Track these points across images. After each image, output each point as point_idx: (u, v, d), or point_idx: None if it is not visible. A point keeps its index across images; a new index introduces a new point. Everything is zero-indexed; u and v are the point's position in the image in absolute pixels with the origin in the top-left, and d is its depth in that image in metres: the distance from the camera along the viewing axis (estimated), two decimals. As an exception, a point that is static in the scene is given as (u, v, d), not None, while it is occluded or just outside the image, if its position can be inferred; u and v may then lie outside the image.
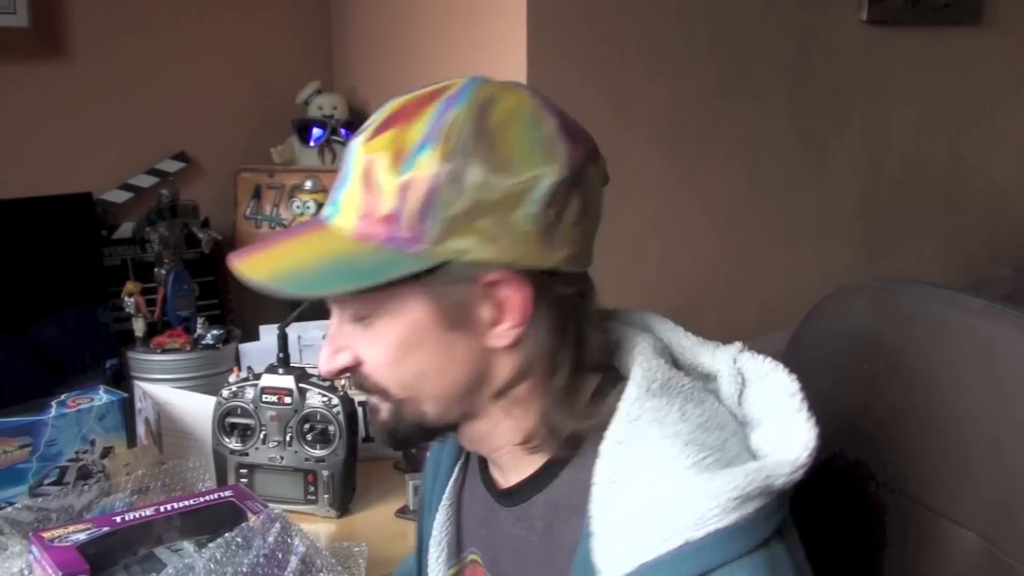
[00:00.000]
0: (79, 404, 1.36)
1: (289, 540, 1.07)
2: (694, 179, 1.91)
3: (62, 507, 1.26)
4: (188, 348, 1.72)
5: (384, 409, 0.85)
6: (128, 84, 1.91)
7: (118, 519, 1.11)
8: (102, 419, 1.37)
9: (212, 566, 1.02)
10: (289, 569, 1.05)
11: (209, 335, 1.75)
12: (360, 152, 0.80)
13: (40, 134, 1.83)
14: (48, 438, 1.31)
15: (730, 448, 0.78)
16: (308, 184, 1.91)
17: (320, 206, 1.84)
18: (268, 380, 1.36)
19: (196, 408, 1.45)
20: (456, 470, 0.98)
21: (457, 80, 0.81)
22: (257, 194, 1.95)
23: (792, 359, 1.12)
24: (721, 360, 0.85)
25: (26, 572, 1.09)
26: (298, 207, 1.89)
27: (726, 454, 0.77)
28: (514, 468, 0.88)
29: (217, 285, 1.94)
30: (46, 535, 1.07)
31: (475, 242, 0.77)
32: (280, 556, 1.06)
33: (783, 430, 0.78)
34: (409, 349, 0.81)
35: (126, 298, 1.73)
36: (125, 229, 1.87)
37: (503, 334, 0.80)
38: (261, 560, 1.04)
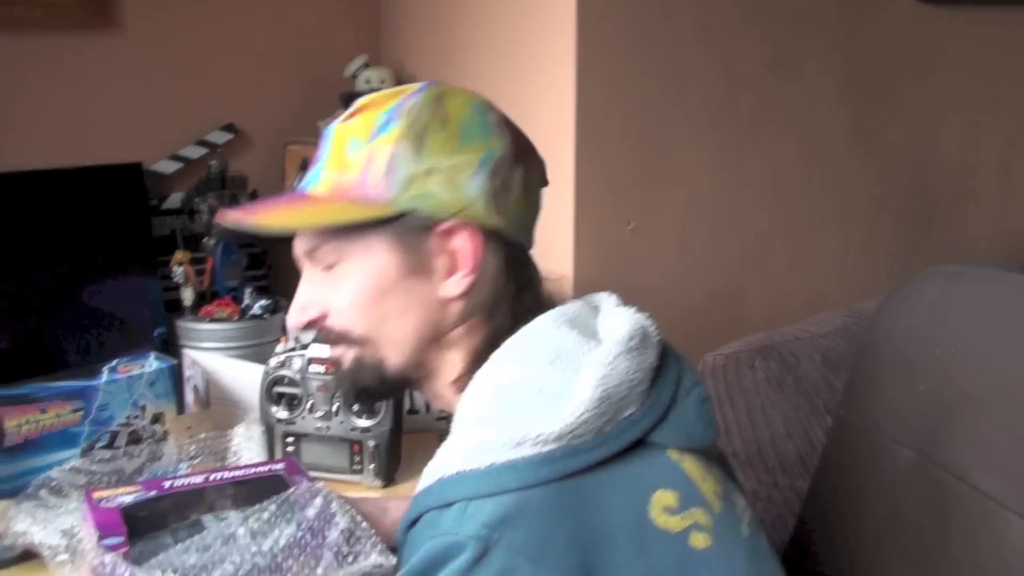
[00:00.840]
0: (130, 370, 1.37)
1: (331, 512, 1.08)
2: (743, 158, 1.89)
3: (112, 470, 1.29)
4: (236, 317, 1.74)
5: (347, 358, 0.95)
6: (178, 55, 1.92)
7: (167, 484, 1.13)
8: (152, 385, 1.38)
9: (251, 533, 1.02)
10: (330, 540, 1.06)
11: (257, 305, 1.76)
12: (335, 132, 0.93)
13: (91, 104, 1.85)
14: (100, 403, 1.33)
15: (527, 409, 0.83)
16: (355, 157, 1.91)
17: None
18: (316, 350, 1.37)
19: (244, 377, 1.46)
20: None
21: (415, 84, 0.95)
22: (304, 166, 1.96)
23: (871, 345, 1.12)
24: (602, 325, 0.91)
25: (76, 529, 1.11)
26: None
27: (524, 411, 0.83)
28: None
29: (264, 256, 1.95)
30: (95, 495, 1.09)
31: (431, 196, 0.89)
32: (321, 528, 1.07)
33: (572, 397, 0.83)
34: (373, 292, 0.92)
35: (175, 267, 1.75)
36: (174, 199, 1.89)
37: (457, 283, 0.91)
38: (301, 532, 1.05)
